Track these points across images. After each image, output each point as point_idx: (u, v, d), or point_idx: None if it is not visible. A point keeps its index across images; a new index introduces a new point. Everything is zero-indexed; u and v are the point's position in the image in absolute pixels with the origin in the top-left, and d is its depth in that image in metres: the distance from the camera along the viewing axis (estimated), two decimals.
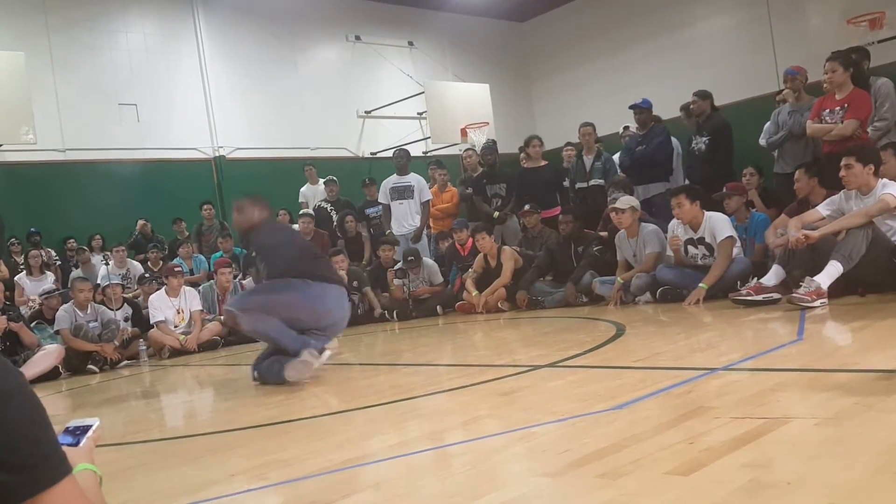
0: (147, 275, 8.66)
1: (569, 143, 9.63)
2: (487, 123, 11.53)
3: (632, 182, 7.36)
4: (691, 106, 7.39)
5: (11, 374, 1.05)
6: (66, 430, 1.39)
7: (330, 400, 3.54)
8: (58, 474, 1.05)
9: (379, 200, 9.01)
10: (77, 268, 9.05)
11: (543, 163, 8.56)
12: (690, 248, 5.77)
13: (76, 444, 1.36)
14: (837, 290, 4.39)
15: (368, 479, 2.01)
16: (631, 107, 7.66)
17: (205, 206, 10.17)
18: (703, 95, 7.26)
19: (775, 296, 4.67)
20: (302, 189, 10.60)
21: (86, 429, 1.40)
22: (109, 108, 10.48)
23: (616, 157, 8.14)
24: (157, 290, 7.65)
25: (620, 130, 9.10)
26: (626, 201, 6.29)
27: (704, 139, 7.12)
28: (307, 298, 4.16)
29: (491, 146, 9.22)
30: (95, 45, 10.55)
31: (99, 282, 8.23)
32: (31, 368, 6.07)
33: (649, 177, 7.45)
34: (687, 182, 7.33)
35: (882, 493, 1.41)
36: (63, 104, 10.07)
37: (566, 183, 8.50)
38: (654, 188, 7.42)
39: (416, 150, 11.66)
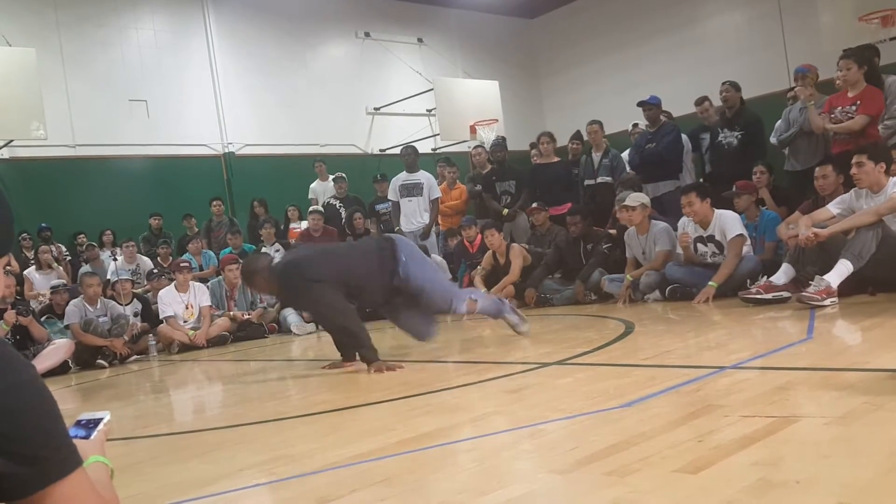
0: (156, 270, 8.69)
1: (574, 139, 9.49)
2: (497, 120, 11.49)
3: (641, 180, 7.33)
4: (723, 94, 7.14)
5: (23, 367, 1.05)
6: (78, 423, 1.39)
7: (338, 396, 3.55)
8: (68, 466, 1.06)
9: (388, 197, 9.02)
10: (86, 263, 9.10)
11: (556, 159, 8.52)
12: (700, 245, 5.75)
13: (87, 437, 1.36)
14: (847, 288, 4.37)
15: (376, 474, 2.01)
16: (639, 104, 7.60)
17: (214, 203, 10.19)
18: (737, 87, 7.14)
19: (785, 294, 4.65)
20: (312, 185, 10.62)
21: (97, 422, 1.40)
22: (120, 105, 10.52)
23: (626, 154, 8.10)
24: (167, 285, 7.69)
25: (630, 128, 9.05)
26: (635, 198, 6.26)
27: (736, 133, 7.04)
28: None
29: (500, 143, 9.20)
30: (106, 42, 10.60)
31: (109, 277, 8.27)
32: (41, 363, 6.09)
33: (659, 174, 7.40)
34: (700, 179, 7.27)
35: (892, 494, 1.41)
36: (74, 100, 10.12)
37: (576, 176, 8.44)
38: (663, 186, 7.37)
39: (425, 147, 11.65)
